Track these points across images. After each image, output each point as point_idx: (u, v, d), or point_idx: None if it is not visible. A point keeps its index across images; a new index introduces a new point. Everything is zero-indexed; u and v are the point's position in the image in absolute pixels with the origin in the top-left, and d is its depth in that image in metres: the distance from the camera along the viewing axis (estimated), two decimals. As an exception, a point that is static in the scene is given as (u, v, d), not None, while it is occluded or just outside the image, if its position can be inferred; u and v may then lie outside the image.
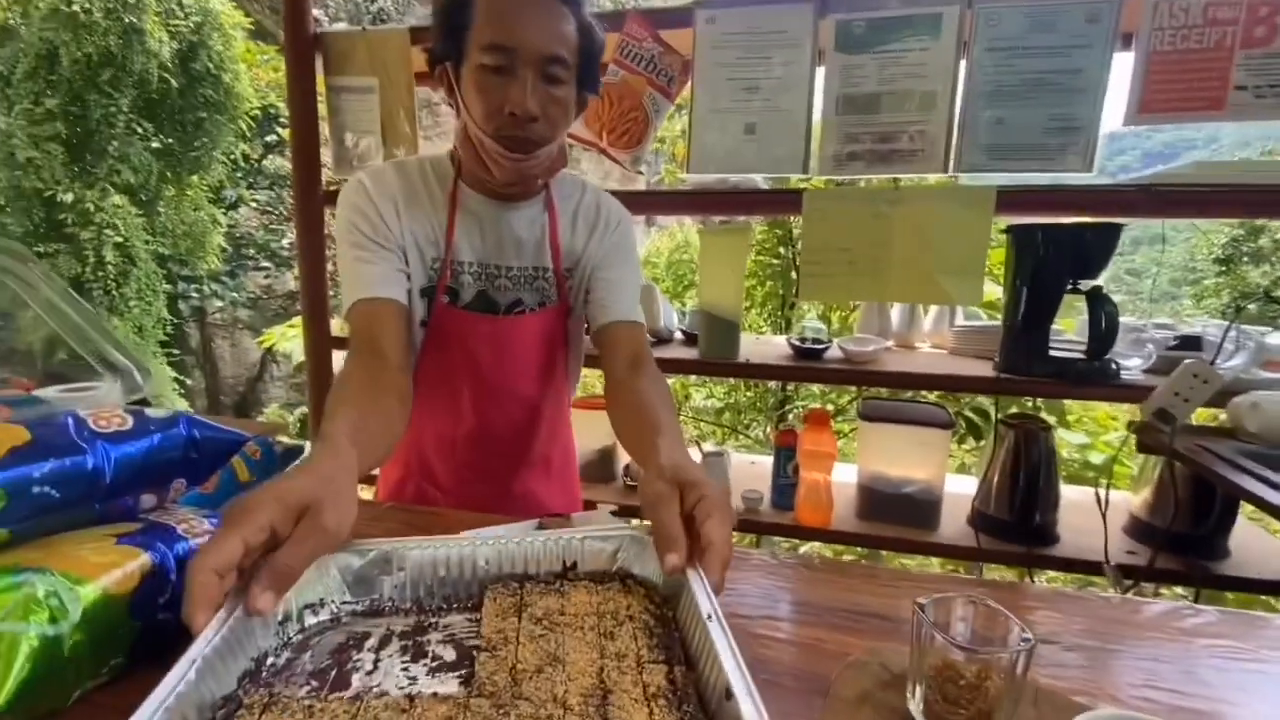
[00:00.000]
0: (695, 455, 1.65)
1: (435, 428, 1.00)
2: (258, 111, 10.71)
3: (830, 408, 2.98)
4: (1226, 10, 1.12)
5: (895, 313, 1.65)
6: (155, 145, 9.38)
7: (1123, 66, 1.22)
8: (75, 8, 8.14)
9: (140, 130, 9.03)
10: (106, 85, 8.42)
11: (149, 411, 0.55)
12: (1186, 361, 1.13)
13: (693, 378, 3.98)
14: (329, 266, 1.64)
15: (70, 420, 0.50)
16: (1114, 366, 1.28)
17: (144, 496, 0.54)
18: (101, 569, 0.46)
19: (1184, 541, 1.30)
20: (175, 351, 10.45)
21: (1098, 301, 1.23)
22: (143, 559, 0.48)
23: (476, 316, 0.94)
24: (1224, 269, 11.38)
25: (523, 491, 1.05)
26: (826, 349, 1.49)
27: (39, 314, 0.75)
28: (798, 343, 1.50)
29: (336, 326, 1.75)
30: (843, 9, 1.25)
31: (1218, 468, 1.01)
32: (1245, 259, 10.67)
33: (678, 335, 1.74)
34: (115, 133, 8.60)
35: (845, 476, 1.54)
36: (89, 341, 0.73)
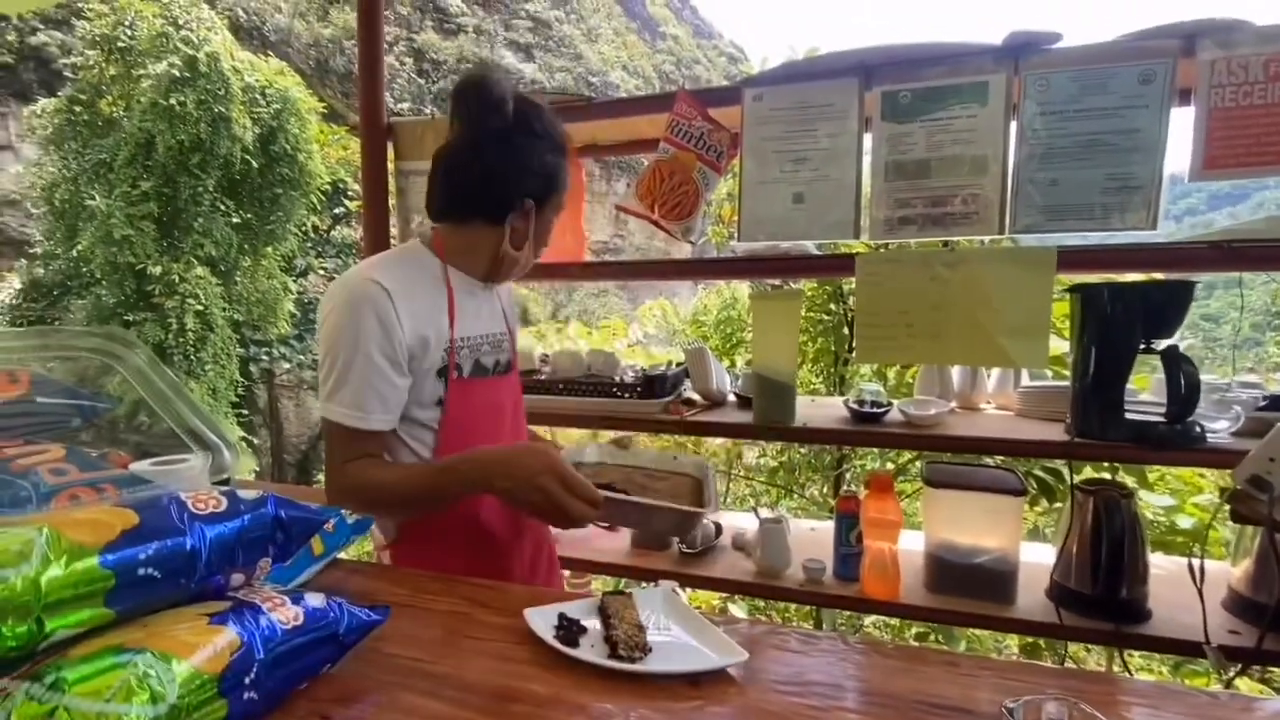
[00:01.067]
0: (753, 521, 1.62)
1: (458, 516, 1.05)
2: (328, 187, 11.45)
3: (890, 466, 2.88)
4: (1289, 66, 1.10)
5: (956, 373, 1.61)
6: (235, 220, 10.12)
7: (1185, 121, 1.20)
8: (172, 101, 9.00)
9: (223, 207, 9.79)
10: (195, 168, 9.21)
11: (240, 493, 0.58)
12: (1280, 425, 1.06)
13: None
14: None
15: (172, 503, 0.54)
16: (1198, 429, 1.21)
17: (234, 575, 0.57)
18: (195, 648, 0.48)
19: (1294, 620, 1.19)
20: (244, 412, 10.96)
21: (1174, 361, 1.18)
22: (232, 638, 0.50)
23: (483, 381, 1.10)
24: (1310, 314, 10.69)
25: (540, 540, 1.22)
26: (886, 412, 1.46)
27: (140, 393, 0.81)
28: (856, 406, 1.48)
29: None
30: (888, 81, 1.28)
31: (1327, 542, 0.93)
32: (1334, 303, 10.00)
33: (730, 398, 1.73)
34: (201, 210, 9.35)
35: (911, 544, 1.48)
36: (183, 418, 0.79)
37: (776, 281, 1.54)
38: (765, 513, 1.60)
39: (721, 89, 1.43)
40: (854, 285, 1.36)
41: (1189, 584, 1.19)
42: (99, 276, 9.33)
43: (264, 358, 11.80)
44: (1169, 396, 1.19)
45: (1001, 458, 1.64)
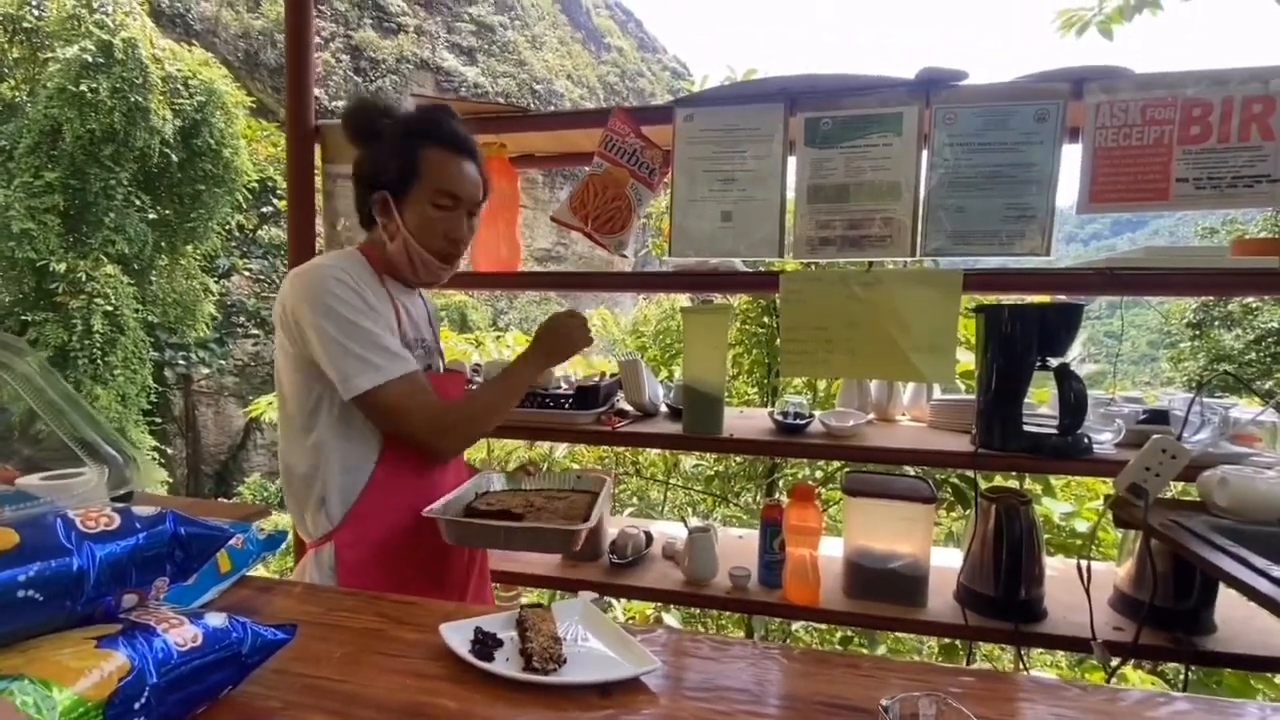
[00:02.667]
0: (682, 530, 1.64)
1: (408, 501, 1.09)
2: (255, 185, 10.95)
3: (819, 474, 2.98)
4: (1162, 111, 1.22)
5: (874, 386, 1.69)
6: (152, 216, 9.54)
7: (1076, 157, 1.30)
8: (83, 87, 8.44)
9: (138, 202, 9.21)
10: (108, 159, 8.64)
11: (136, 509, 0.56)
12: (1155, 437, 1.17)
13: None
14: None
15: (59, 522, 0.51)
16: (1086, 441, 1.31)
17: (126, 596, 0.54)
18: (79, 674, 0.46)
19: (1168, 616, 1.30)
20: (158, 420, 10.29)
21: (1065, 378, 1.28)
22: (121, 662, 0.48)
23: (430, 376, 1.13)
24: (1197, 333, 11.70)
25: (474, 552, 1.27)
26: (808, 424, 1.51)
27: (29, 403, 0.76)
28: (780, 418, 1.53)
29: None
30: (810, 109, 1.34)
31: (1192, 545, 1.03)
32: (1216, 323, 11.01)
33: (663, 409, 1.76)
34: (113, 204, 8.77)
35: (835, 550, 1.54)
36: (77, 430, 0.75)
37: (707, 298, 1.58)
38: (694, 522, 1.63)
39: (655, 108, 1.46)
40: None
41: (1072, 581, 1.29)
42: (-6, 273, 8.60)
43: (180, 362, 11.14)
44: (1060, 410, 1.29)
45: (917, 467, 1.72)
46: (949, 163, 1.29)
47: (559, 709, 0.60)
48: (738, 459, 3.63)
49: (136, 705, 0.48)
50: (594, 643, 0.72)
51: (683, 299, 4.39)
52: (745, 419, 1.70)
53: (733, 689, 0.65)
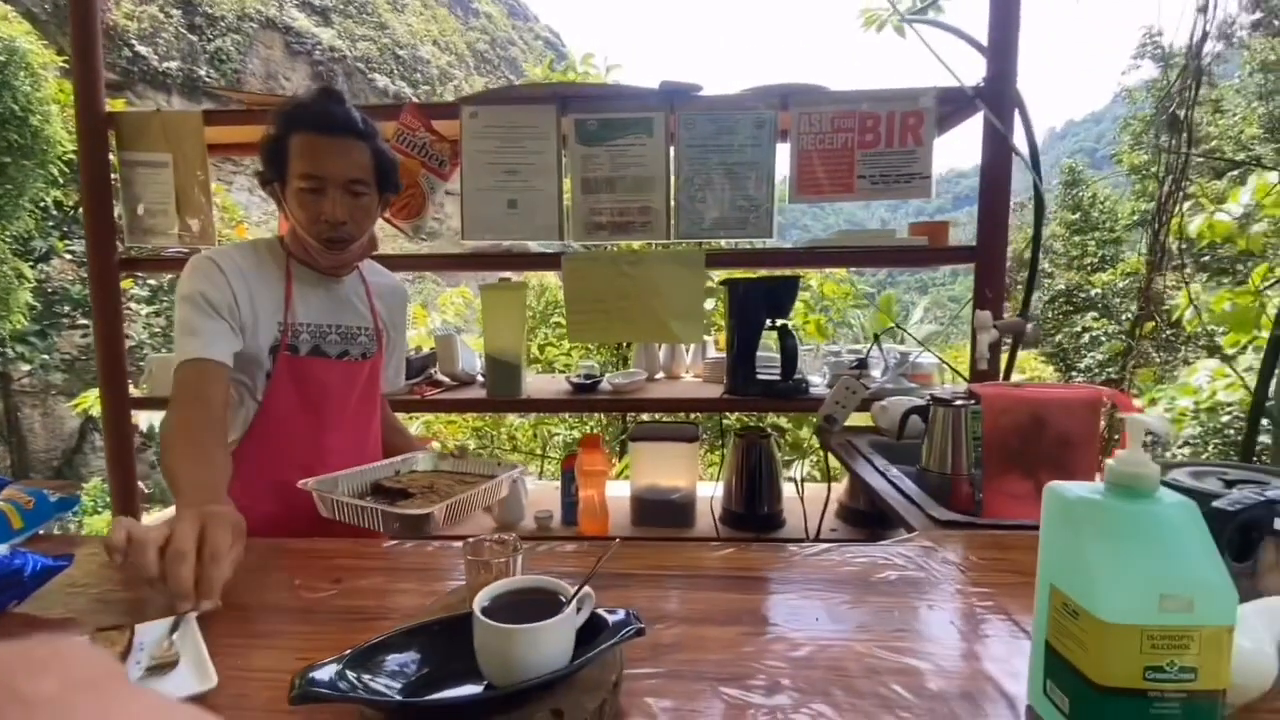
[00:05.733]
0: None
1: (291, 458, 1.17)
2: (72, 155, 9.76)
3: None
4: (846, 121, 1.54)
5: (662, 350, 1.97)
6: (-60, 193, 8.30)
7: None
8: None
9: (-79, 177, 7.98)
10: (-123, 128, 7.40)
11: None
12: (843, 377, 1.51)
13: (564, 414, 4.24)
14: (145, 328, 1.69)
15: None
16: (804, 384, 1.65)
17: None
18: None
19: (869, 518, 1.68)
20: (-33, 424, 9.08)
21: (784, 335, 1.60)
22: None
23: (314, 360, 1.19)
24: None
25: None
26: (598, 383, 1.76)
27: None
28: (575, 379, 1.77)
29: (141, 389, 1.80)
30: (579, 110, 1.56)
31: (846, 457, 1.37)
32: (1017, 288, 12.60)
33: (480, 378, 1.95)
34: (-113, 179, 7.55)
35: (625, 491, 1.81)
36: None
37: (504, 277, 1.77)
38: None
39: (443, 104, 1.62)
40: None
41: (817, 500, 1.64)
42: None
43: (-8, 359, 9.83)
44: (781, 361, 1.62)
45: (691, 414, 2.02)
46: (691, 161, 1.56)
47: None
48: (610, 427, 3.91)
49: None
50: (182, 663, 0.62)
51: (549, 277, 4.58)
52: (552, 382, 1.93)
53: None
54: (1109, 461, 0.52)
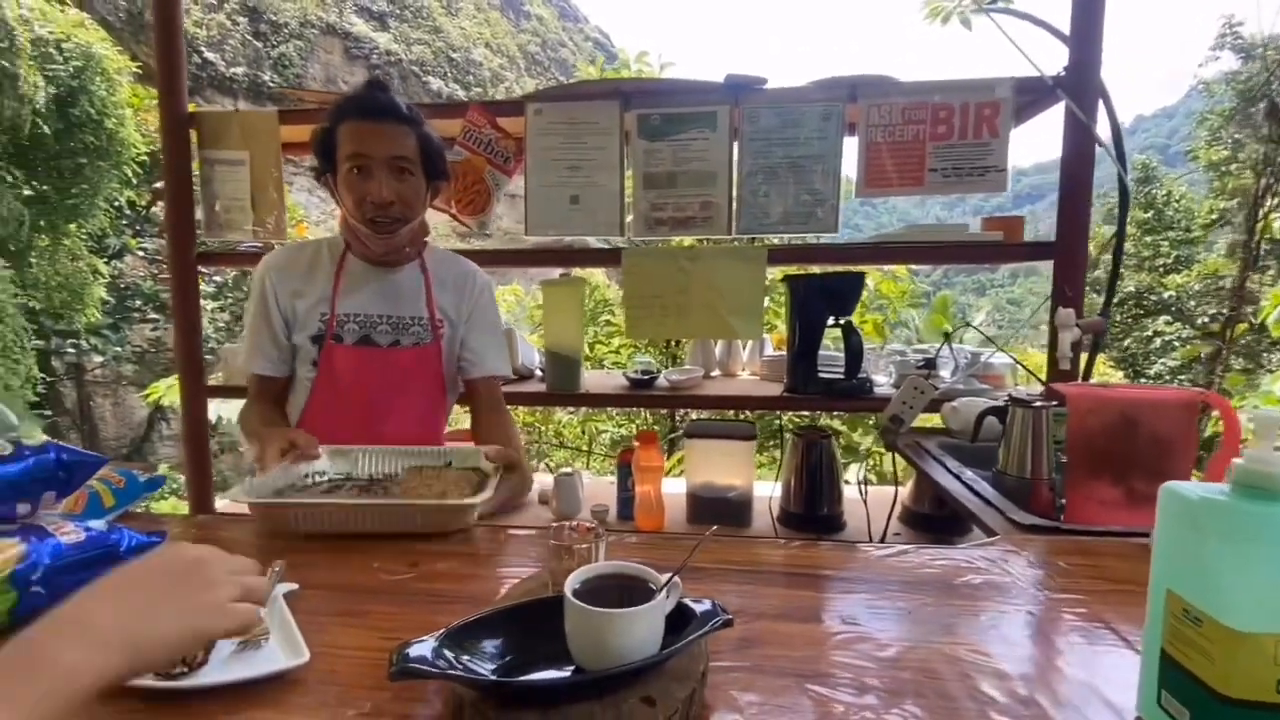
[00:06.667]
0: (550, 479, 1.87)
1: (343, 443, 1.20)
2: (145, 157, 10.27)
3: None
4: (918, 113, 1.50)
5: (718, 347, 1.95)
6: (27, 193, 8.83)
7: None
8: (-64, 51, 7.69)
9: (10, 178, 8.51)
10: (-29, 132, 7.92)
11: (25, 441, 0.72)
12: (910, 376, 1.46)
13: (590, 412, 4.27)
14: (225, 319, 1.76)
15: (-38, 449, 0.67)
16: (868, 384, 1.61)
17: (18, 505, 0.71)
18: (-14, 554, 0.63)
19: (936, 523, 1.63)
20: (48, 412, 9.64)
21: (849, 333, 1.56)
22: (19, 547, 0.65)
23: (360, 350, 1.24)
24: (1073, 297, 12.88)
25: None
26: (655, 379, 1.76)
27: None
28: (632, 375, 1.77)
29: (215, 378, 1.88)
30: (642, 106, 1.56)
31: (916, 458, 1.33)
32: (1088, 289, 12.13)
33: (538, 373, 1.97)
34: (-20, 181, 8.07)
35: (680, 488, 1.80)
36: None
37: (565, 272, 1.79)
38: (563, 469, 1.86)
39: (508, 102, 1.64)
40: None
41: (880, 503, 1.60)
42: None
43: (70, 350, 10.43)
44: (845, 360, 1.58)
45: (740, 412, 2.00)
46: (754, 155, 1.54)
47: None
48: (656, 425, 3.92)
49: (34, 578, 0.65)
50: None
51: (598, 274, 4.62)
52: (609, 378, 1.94)
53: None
54: (1237, 461, 0.48)
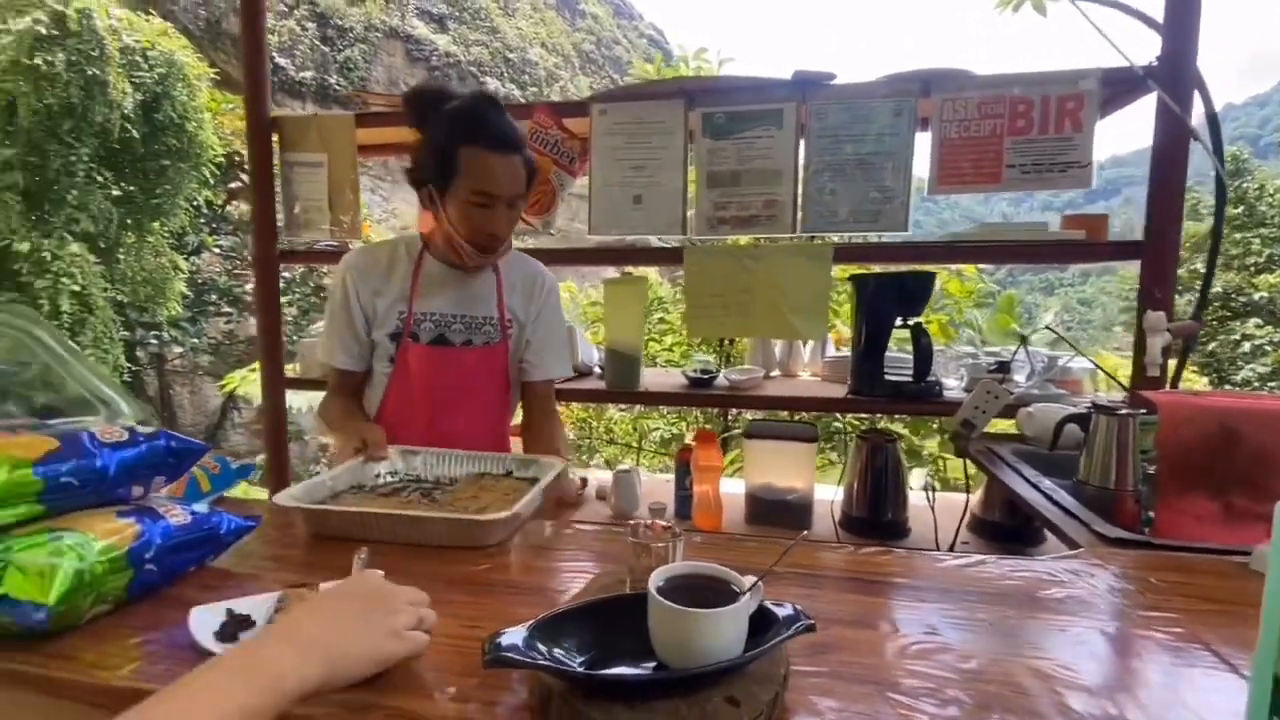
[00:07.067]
0: (609, 475, 1.89)
1: (412, 440, 1.23)
2: (222, 159, 10.80)
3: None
4: (995, 107, 1.45)
5: (778, 346, 1.93)
6: (116, 193, 9.42)
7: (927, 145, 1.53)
8: (38, 60, 8.27)
9: (101, 179, 9.09)
10: (67, 135, 8.49)
11: (139, 428, 0.77)
12: (982, 380, 1.42)
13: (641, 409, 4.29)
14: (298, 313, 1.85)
15: (85, 435, 0.72)
16: (938, 387, 1.56)
17: (134, 488, 0.76)
18: (107, 532, 0.68)
19: (1007, 532, 1.57)
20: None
21: (918, 334, 1.52)
22: (136, 527, 0.70)
23: (433, 349, 1.29)
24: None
25: None
26: (714, 378, 1.75)
27: (46, 361, 0.96)
28: (691, 374, 1.77)
29: (293, 370, 1.97)
30: (707, 104, 1.55)
31: (990, 464, 1.28)
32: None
33: (596, 370, 1.99)
34: (75, 182, 8.64)
35: (739, 488, 1.79)
36: (85, 382, 0.95)
37: (626, 271, 1.80)
38: (621, 466, 1.87)
39: (574, 103, 1.66)
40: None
41: (945, 509, 1.56)
42: (-46, 253, 8.48)
43: (153, 341, 11.08)
44: (914, 362, 1.54)
45: (795, 413, 1.97)
46: (821, 152, 1.51)
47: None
48: (706, 424, 3.92)
49: (148, 556, 0.70)
50: None
51: (651, 273, 4.65)
52: (667, 376, 1.94)
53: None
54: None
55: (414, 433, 1.24)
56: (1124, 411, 1.11)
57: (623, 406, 4.31)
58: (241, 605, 0.66)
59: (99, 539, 0.67)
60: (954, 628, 0.71)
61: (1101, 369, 1.51)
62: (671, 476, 2.16)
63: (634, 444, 4.68)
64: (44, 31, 8.19)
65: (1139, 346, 1.31)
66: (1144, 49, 1.44)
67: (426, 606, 0.60)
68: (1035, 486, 1.16)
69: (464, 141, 1.14)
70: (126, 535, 0.69)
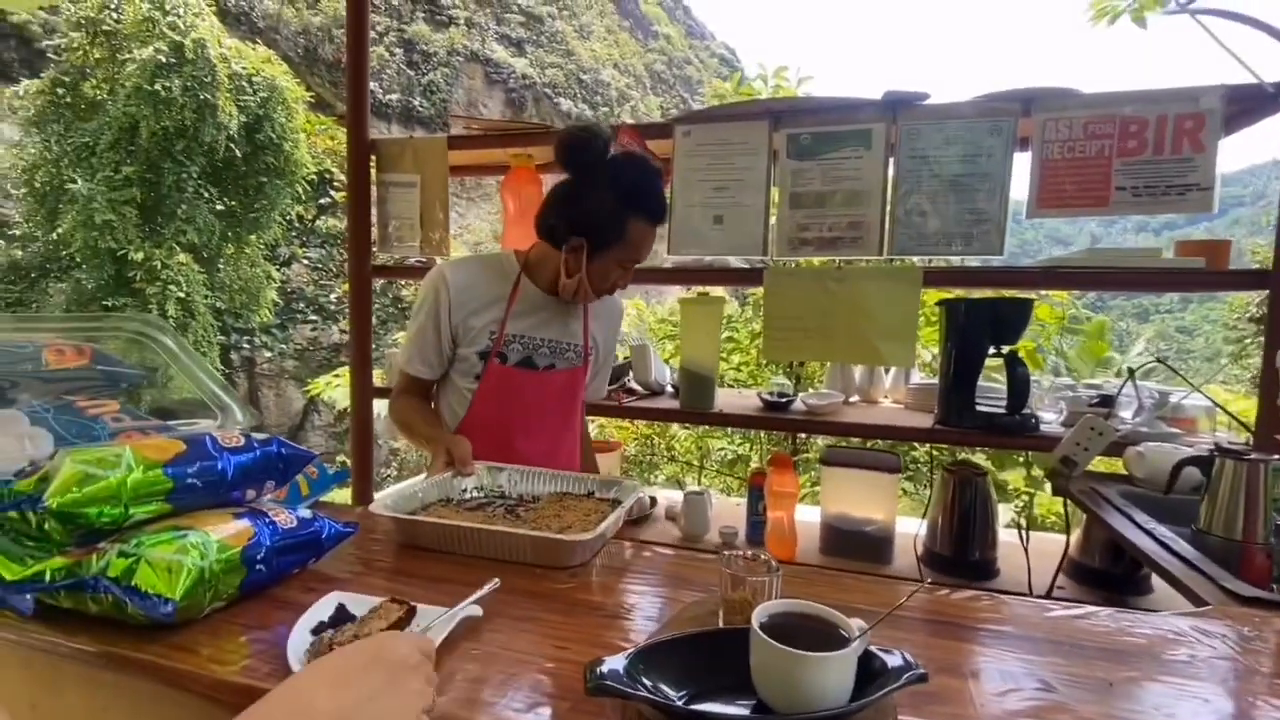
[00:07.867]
0: (678, 495, 1.87)
1: (484, 457, 1.25)
2: (314, 177, 11.50)
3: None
4: (1103, 127, 1.37)
5: (858, 371, 1.87)
6: (219, 208, 10.16)
7: (1026, 167, 1.46)
8: (158, 86, 9.04)
9: (206, 194, 9.83)
10: (180, 154, 9.24)
11: (255, 435, 0.82)
12: (1085, 416, 1.33)
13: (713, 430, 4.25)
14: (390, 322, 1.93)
15: (208, 438, 0.77)
16: (1033, 420, 1.47)
17: (248, 491, 0.80)
18: (225, 531, 0.72)
19: (1108, 579, 1.46)
20: (225, 399, 10.89)
21: (1013, 364, 1.45)
22: (249, 529, 0.74)
23: (519, 371, 1.31)
24: (1260, 328, 11.21)
25: None
26: (790, 402, 1.71)
27: (174, 368, 1.04)
28: (766, 396, 1.73)
29: (378, 377, 2.05)
30: (792, 125, 1.53)
31: (1095, 507, 1.20)
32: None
33: (669, 389, 1.98)
34: (184, 197, 9.38)
35: (814, 516, 1.74)
36: (204, 388, 1.01)
37: (703, 291, 1.78)
38: (691, 487, 1.85)
39: (657, 124, 1.67)
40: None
41: (1039, 550, 1.47)
42: (79, 260, 9.36)
43: (245, 346, 11.83)
44: (1008, 392, 1.46)
45: (888, 442, 1.90)
46: (912, 173, 1.47)
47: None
48: (773, 446, 3.85)
49: (259, 557, 0.74)
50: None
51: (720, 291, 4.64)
52: (740, 398, 1.91)
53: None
54: None
55: (493, 450, 1.26)
56: (1254, 456, 1.02)
57: (688, 425, 4.28)
58: (350, 603, 0.71)
59: (216, 538, 0.70)
60: (1070, 685, 0.66)
61: (1224, 409, 1.39)
62: (740, 500, 2.13)
63: (695, 462, 4.63)
64: (164, 60, 8.97)
65: (1266, 384, 1.20)
66: (1265, 64, 1.34)
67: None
68: (1150, 534, 1.07)
69: (635, 212, 1.18)
70: (241, 536, 0.73)
